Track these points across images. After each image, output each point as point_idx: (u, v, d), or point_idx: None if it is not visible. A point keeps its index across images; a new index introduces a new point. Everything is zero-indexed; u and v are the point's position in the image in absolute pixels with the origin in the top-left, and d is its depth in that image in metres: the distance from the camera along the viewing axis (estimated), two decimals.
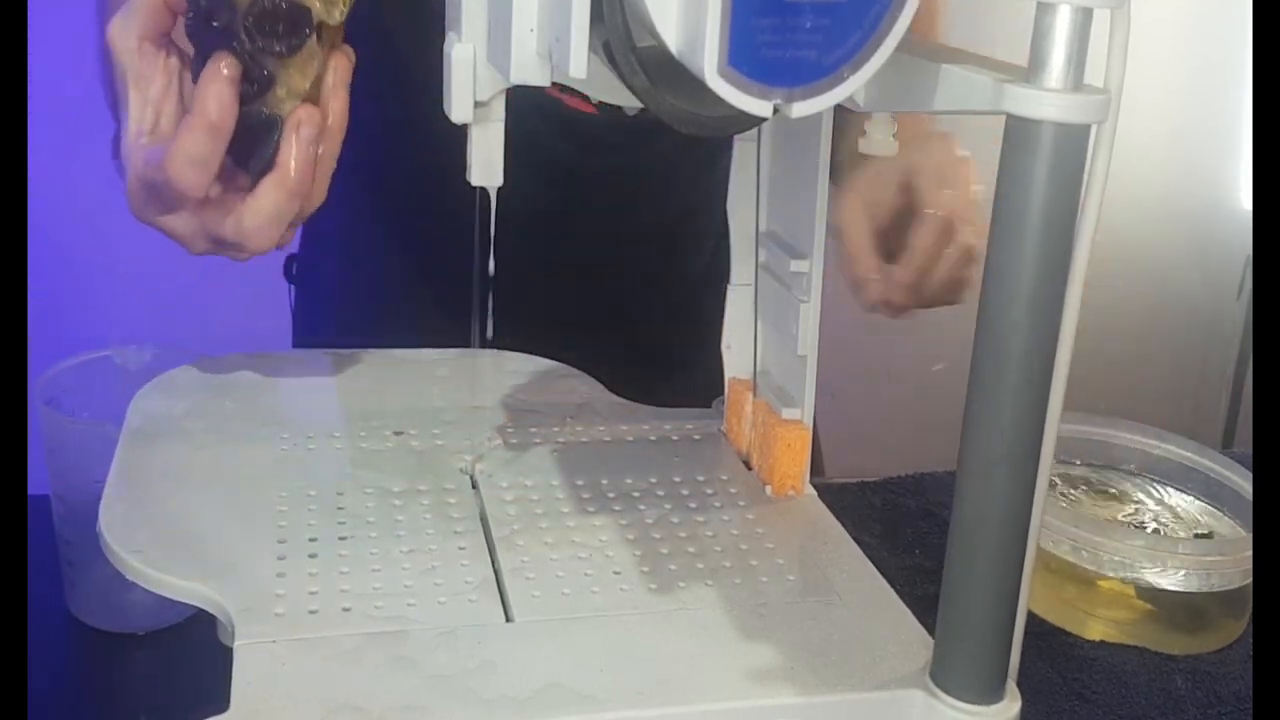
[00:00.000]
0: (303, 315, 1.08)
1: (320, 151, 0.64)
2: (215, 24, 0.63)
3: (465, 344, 0.73)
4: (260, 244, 0.64)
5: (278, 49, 0.63)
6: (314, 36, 0.64)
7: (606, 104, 0.87)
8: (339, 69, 0.65)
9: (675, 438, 0.70)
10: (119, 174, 0.69)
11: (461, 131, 0.57)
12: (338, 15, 0.65)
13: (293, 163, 0.63)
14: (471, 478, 0.65)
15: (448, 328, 0.73)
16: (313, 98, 0.65)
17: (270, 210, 0.63)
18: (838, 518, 0.63)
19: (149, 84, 0.65)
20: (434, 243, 0.95)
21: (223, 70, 0.61)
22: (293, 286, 1.08)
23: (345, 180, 0.91)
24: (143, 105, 0.65)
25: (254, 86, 0.63)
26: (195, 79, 0.64)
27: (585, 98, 0.75)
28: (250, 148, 0.64)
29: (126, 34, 0.65)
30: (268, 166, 0.64)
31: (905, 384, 2.31)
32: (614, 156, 0.81)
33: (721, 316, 0.70)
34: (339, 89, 0.65)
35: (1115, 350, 2.35)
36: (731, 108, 0.41)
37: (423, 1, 0.86)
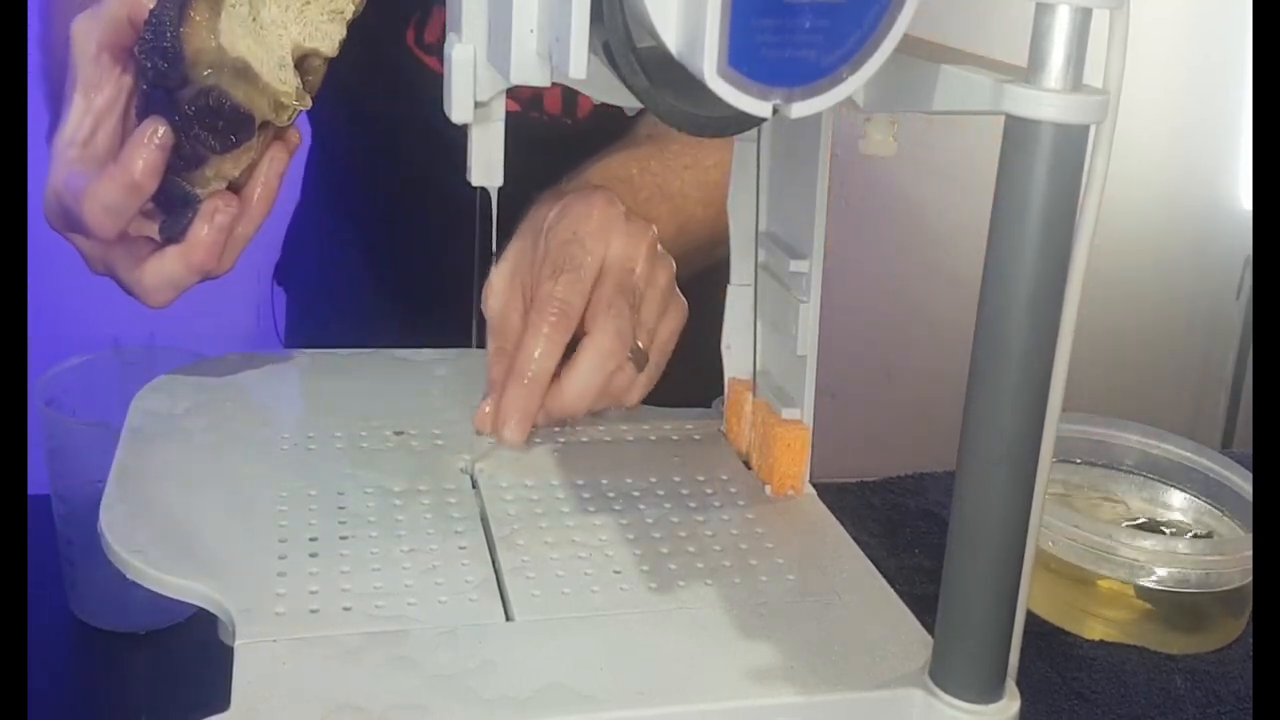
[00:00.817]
0: (291, 320, 1.08)
1: (236, 231, 0.65)
2: (161, 86, 0.63)
3: (458, 346, 0.73)
4: (154, 301, 0.66)
5: (213, 144, 0.64)
6: (253, 137, 0.65)
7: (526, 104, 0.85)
8: (275, 160, 0.66)
9: (675, 438, 0.70)
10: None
11: (458, 132, 0.57)
12: (285, 119, 0.66)
13: (202, 243, 0.64)
14: (471, 478, 0.65)
15: (439, 332, 0.73)
16: (242, 180, 0.66)
17: (170, 277, 0.65)
18: (838, 518, 0.63)
19: (97, 93, 0.65)
20: (425, 246, 0.95)
21: (156, 137, 0.62)
22: (281, 289, 1.09)
23: (333, 183, 0.91)
24: (84, 113, 0.65)
25: (182, 162, 0.64)
26: (137, 112, 0.64)
27: (538, 110, 0.74)
28: (167, 211, 0.66)
29: (88, 37, 0.65)
30: (178, 237, 0.65)
31: (905, 384, 2.31)
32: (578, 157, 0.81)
33: (721, 317, 0.70)
34: (270, 179, 0.66)
35: (1115, 350, 2.36)
36: (731, 108, 0.41)
37: (405, 4, 0.86)
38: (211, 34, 0.64)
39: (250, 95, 0.65)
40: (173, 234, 0.65)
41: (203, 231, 0.64)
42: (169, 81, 0.63)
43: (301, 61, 0.66)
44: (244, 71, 0.64)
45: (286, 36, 0.65)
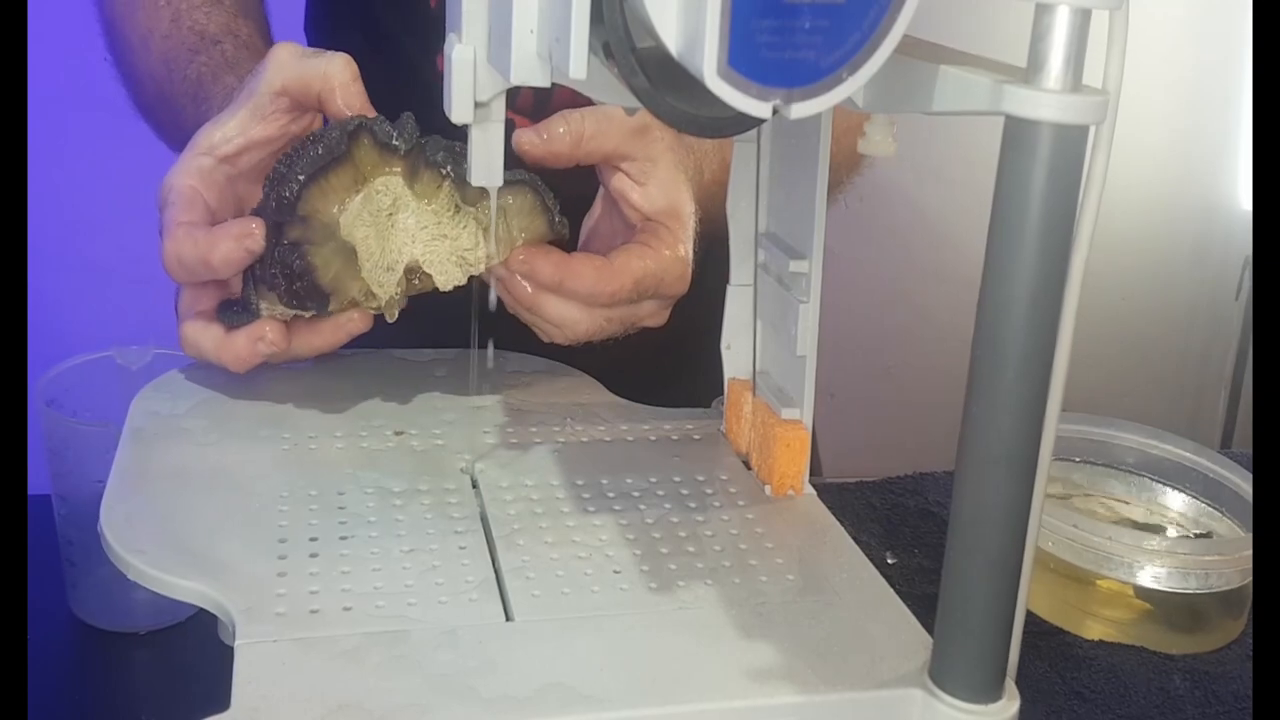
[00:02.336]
0: None
1: (267, 356, 0.67)
2: (271, 208, 0.64)
3: (460, 344, 0.73)
4: (182, 344, 0.68)
5: (283, 295, 0.65)
6: (322, 312, 0.66)
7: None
8: (345, 325, 0.67)
9: (675, 438, 0.71)
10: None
11: (457, 132, 0.57)
12: (369, 310, 0.66)
13: (236, 354, 0.66)
14: (471, 478, 0.65)
15: (439, 332, 0.73)
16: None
17: (198, 347, 0.67)
18: (837, 518, 0.63)
19: (259, 124, 0.68)
20: None
21: (248, 239, 0.64)
22: None
23: None
24: (240, 132, 0.68)
25: (259, 276, 0.65)
26: (264, 191, 0.66)
27: (538, 120, 0.75)
28: (228, 301, 0.67)
29: (281, 70, 0.68)
30: (225, 326, 0.66)
31: (905, 384, 2.31)
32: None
33: (720, 317, 0.70)
34: (329, 338, 0.68)
35: (1114, 350, 2.36)
36: (731, 108, 0.41)
37: (420, 6, 0.87)
38: (338, 205, 0.64)
39: (339, 278, 0.65)
40: (223, 321, 0.67)
41: (239, 344, 0.66)
42: (277, 215, 0.64)
43: (408, 274, 0.66)
44: (348, 255, 0.65)
45: (409, 250, 0.66)
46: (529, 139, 0.67)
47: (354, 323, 0.67)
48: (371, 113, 0.66)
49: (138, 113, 0.88)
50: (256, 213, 0.65)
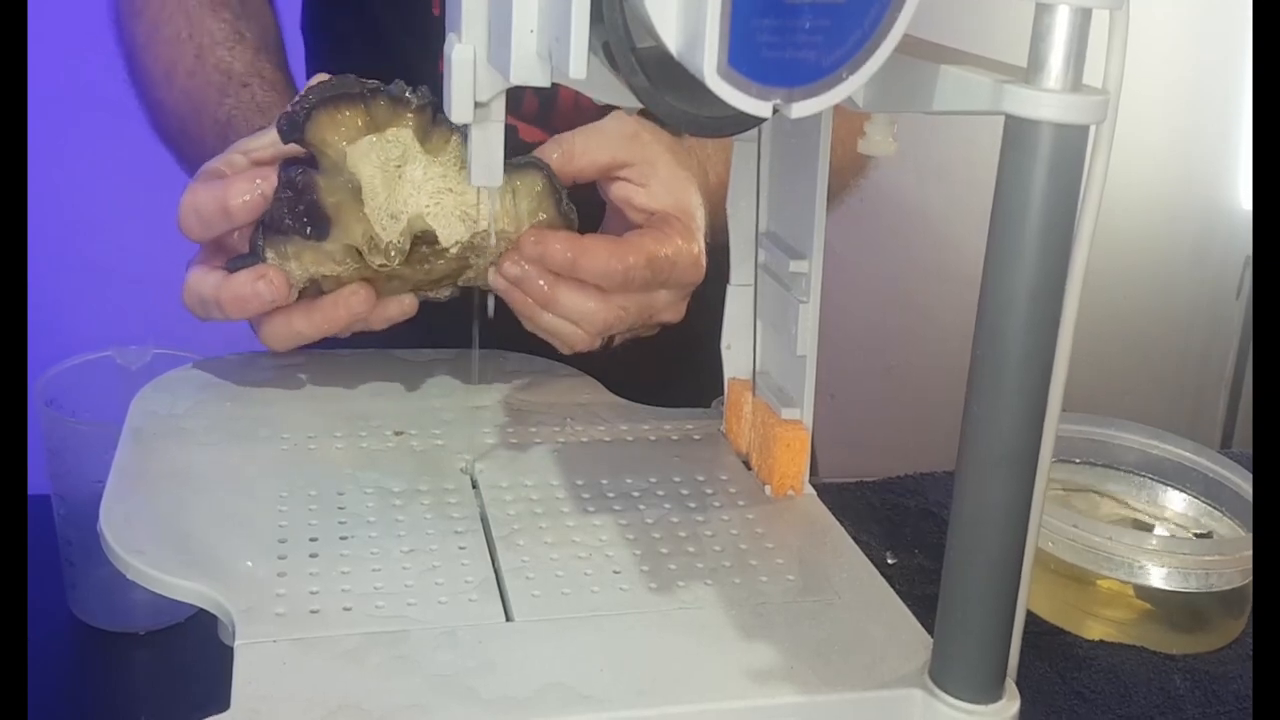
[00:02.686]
0: None
1: (294, 326, 0.67)
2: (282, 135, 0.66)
3: (461, 345, 0.73)
4: (184, 297, 0.68)
5: (287, 220, 0.65)
6: (325, 241, 0.66)
7: (563, 130, 0.87)
8: (353, 297, 0.66)
9: (675, 438, 0.71)
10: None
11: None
12: (375, 264, 0.66)
13: (235, 291, 0.65)
14: (471, 478, 0.65)
15: (439, 332, 0.73)
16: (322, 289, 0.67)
17: (200, 293, 0.67)
18: (837, 518, 0.63)
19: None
20: None
21: (260, 181, 0.64)
22: None
23: None
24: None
25: (271, 221, 0.65)
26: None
27: (543, 127, 0.76)
28: (239, 253, 0.67)
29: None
30: (233, 270, 0.66)
31: (905, 384, 2.31)
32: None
33: (720, 317, 0.70)
34: (338, 308, 0.66)
35: (1115, 350, 2.36)
36: (731, 108, 0.41)
37: (420, 6, 0.87)
38: (345, 138, 0.65)
39: (342, 209, 0.65)
40: (229, 268, 0.67)
41: (239, 282, 0.65)
42: (287, 134, 0.65)
43: (416, 240, 0.66)
44: (353, 190, 0.65)
45: (414, 201, 0.67)
46: None
47: (356, 296, 0.66)
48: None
49: (158, 136, 0.88)
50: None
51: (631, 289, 0.68)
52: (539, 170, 0.68)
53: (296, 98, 0.66)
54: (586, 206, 0.71)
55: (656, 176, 0.71)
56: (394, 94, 0.66)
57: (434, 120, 0.67)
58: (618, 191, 0.71)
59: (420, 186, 0.67)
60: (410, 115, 0.66)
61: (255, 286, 0.65)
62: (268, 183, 0.64)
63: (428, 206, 0.67)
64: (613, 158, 0.70)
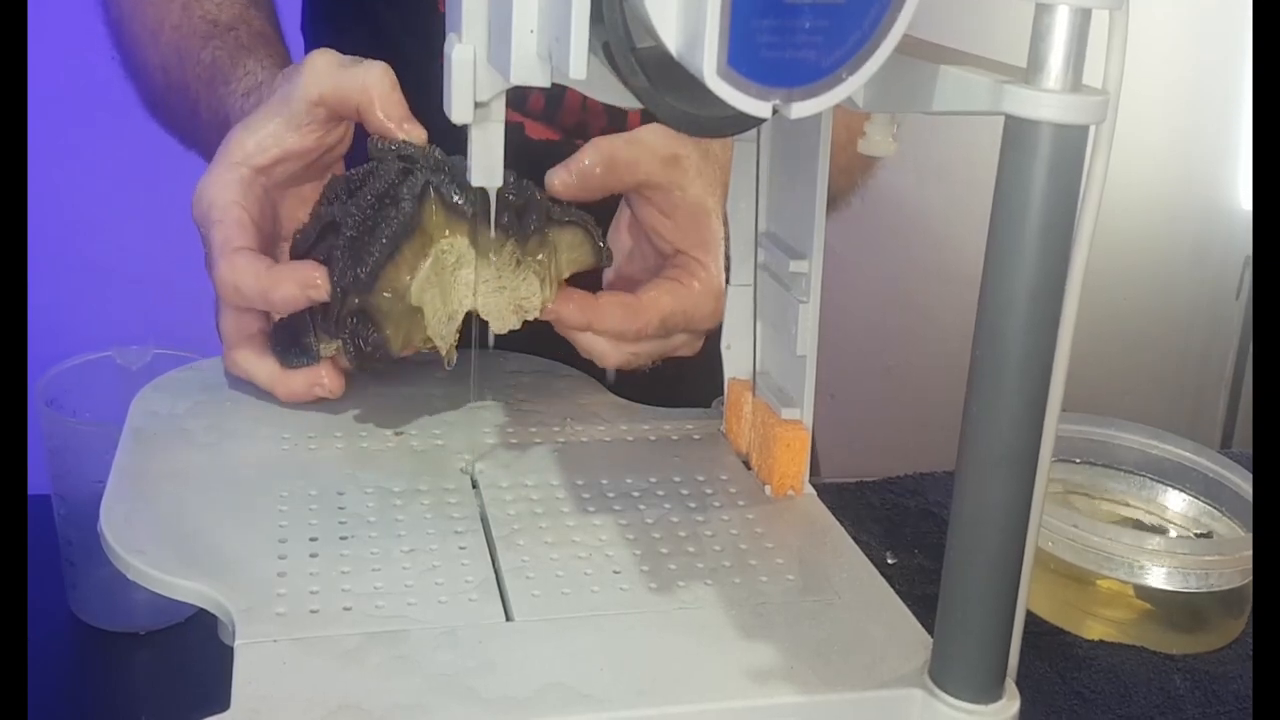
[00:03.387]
0: None
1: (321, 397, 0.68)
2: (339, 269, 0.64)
3: (460, 345, 0.73)
4: (226, 361, 0.69)
5: (350, 351, 0.65)
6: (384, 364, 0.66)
7: (570, 131, 0.87)
8: (314, 389, 0.68)
9: (675, 438, 0.71)
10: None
11: (459, 133, 0.57)
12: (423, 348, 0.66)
13: (289, 390, 0.67)
14: (471, 478, 0.65)
15: None
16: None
17: (249, 373, 0.68)
18: (837, 518, 0.63)
19: (295, 135, 0.67)
20: None
21: (311, 288, 0.63)
22: None
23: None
24: (275, 143, 0.67)
25: (322, 319, 0.65)
26: (310, 220, 0.67)
27: (550, 124, 0.75)
28: (288, 337, 0.67)
29: (319, 78, 0.66)
30: (281, 363, 0.67)
31: (905, 384, 2.31)
32: None
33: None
34: (297, 397, 0.68)
35: (1115, 350, 2.36)
36: (731, 108, 0.41)
37: (421, 6, 0.86)
38: (410, 272, 0.64)
39: (409, 338, 0.65)
40: (278, 357, 0.67)
41: (297, 384, 0.67)
42: (354, 288, 0.63)
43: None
44: (415, 317, 0.65)
45: (468, 300, 0.65)
46: (562, 180, 0.68)
47: (324, 385, 0.67)
48: (412, 122, 0.66)
49: (146, 108, 0.87)
50: (318, 251, 0.65)
51: (645, 340, 0.69)
52: (579, 226, 0.68)
53: (350, 224, 0.63)
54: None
55: (684, 206, 0.71)
56: (445, 198, 0.64)
57: (489, 222, 0.64)
58: (646, 216, 0.72)
59: (475, 288, 0.66)
60: (464, 224, 0.64)
61: (313, 391, 0.67)
62: (318, 291, 0.63)
63: (481, 305, 0.66)
64: (648, 176, 0.70)
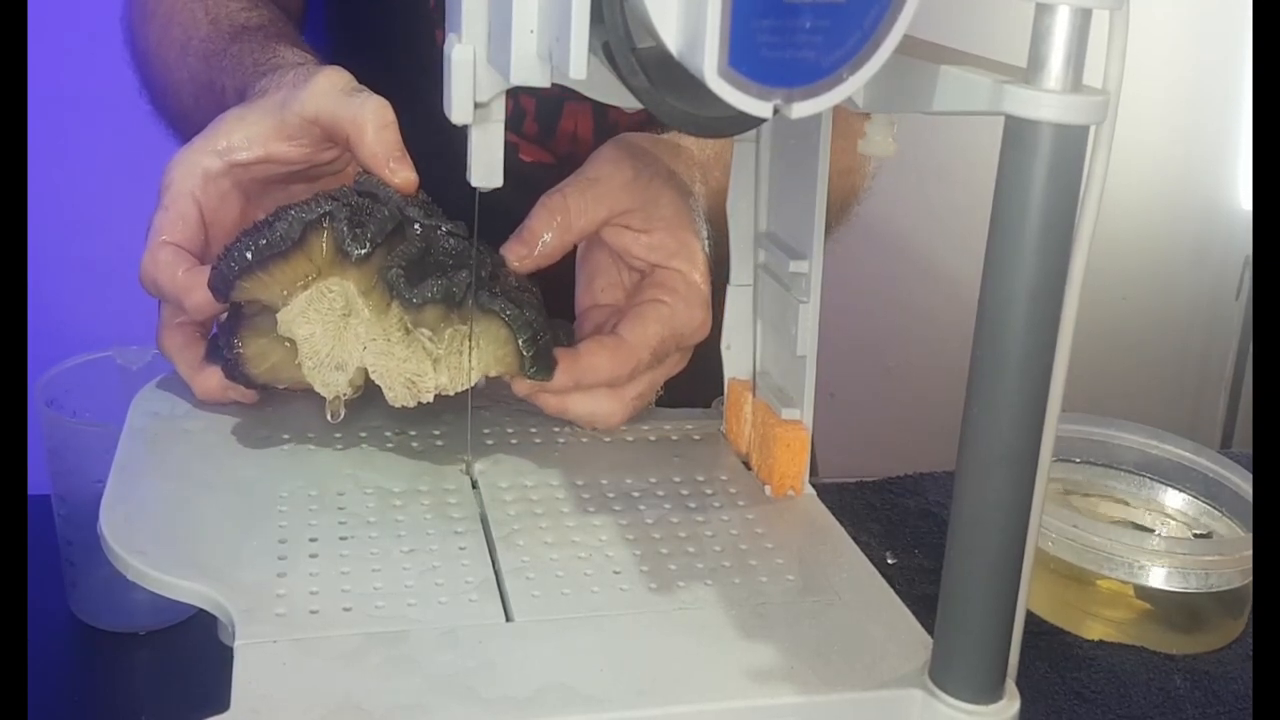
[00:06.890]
0: None
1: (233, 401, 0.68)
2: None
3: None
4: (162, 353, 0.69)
5: (227, 356, 0.65)
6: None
7: (563, 155, 0.85)
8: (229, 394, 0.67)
9: (675, 438, 0.71)
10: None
11: (459, 134, 0.57)
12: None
13: (207, 389, 0.67)
14: (471, 478, 0.65)
15: None
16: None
17: (174, 360, 0.67)
18: (837, 518, 0.63)
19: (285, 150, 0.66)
20: None
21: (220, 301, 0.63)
22: None
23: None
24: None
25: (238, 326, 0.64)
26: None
27: (544, 147, 0.74)
28: (216, 339, 0.67)
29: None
30: (211, 360, 0.66)
31: (905, 384, 2.31)
32: None
33: (721, 317, 0.70)
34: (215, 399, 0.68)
35: (1114, 350, 2.36)
36: (731, 108, 0.41)
37: (417, 5, 0.86)
38: (281, 296, 0.62)
39: (276, 370, 0.64)
40: (208, 349, 0.67)
41: (212, 383, 0.66)
42: (222, 294, 0.62)
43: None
44: (282, 344, 0.63)
45: (359, 355, 0.62)
46: (517, 254, 0.65)
47: (239, 387, 0.66)
48: (400, 163, 0.63)
49: (170, 124, 0.86)
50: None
51: (640, 377, 0.67)
52: (498, 318, 0.62)
53: (236, 239, 0.62)
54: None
55: (659, 217, 0.68)
56: (337, 237, 0.60)
57: (379, 276, 0.61)
58: (615, 240, 0.68)
59: (365, 343, 0.62)
60: (351, 269, 0.61)
61: (226, 394, 0.67)
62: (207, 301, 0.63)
63: (372, 366, 0.63)
64: (611, 210, 0.67)
